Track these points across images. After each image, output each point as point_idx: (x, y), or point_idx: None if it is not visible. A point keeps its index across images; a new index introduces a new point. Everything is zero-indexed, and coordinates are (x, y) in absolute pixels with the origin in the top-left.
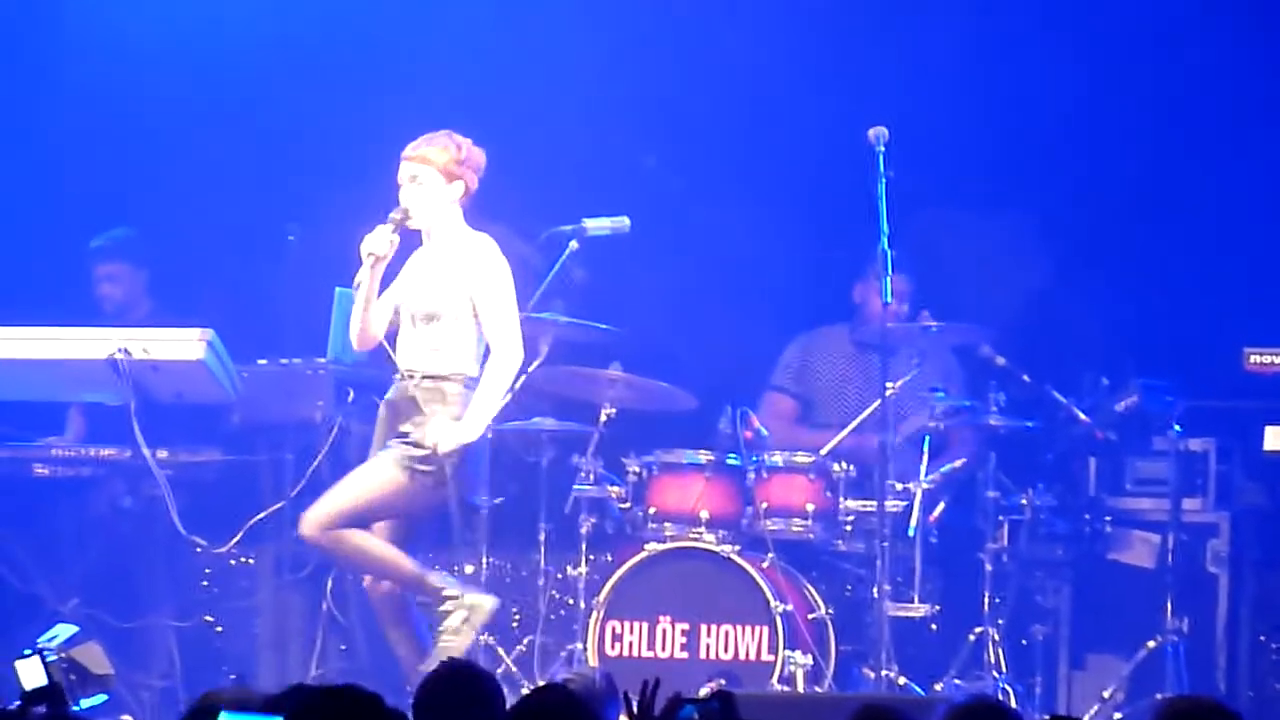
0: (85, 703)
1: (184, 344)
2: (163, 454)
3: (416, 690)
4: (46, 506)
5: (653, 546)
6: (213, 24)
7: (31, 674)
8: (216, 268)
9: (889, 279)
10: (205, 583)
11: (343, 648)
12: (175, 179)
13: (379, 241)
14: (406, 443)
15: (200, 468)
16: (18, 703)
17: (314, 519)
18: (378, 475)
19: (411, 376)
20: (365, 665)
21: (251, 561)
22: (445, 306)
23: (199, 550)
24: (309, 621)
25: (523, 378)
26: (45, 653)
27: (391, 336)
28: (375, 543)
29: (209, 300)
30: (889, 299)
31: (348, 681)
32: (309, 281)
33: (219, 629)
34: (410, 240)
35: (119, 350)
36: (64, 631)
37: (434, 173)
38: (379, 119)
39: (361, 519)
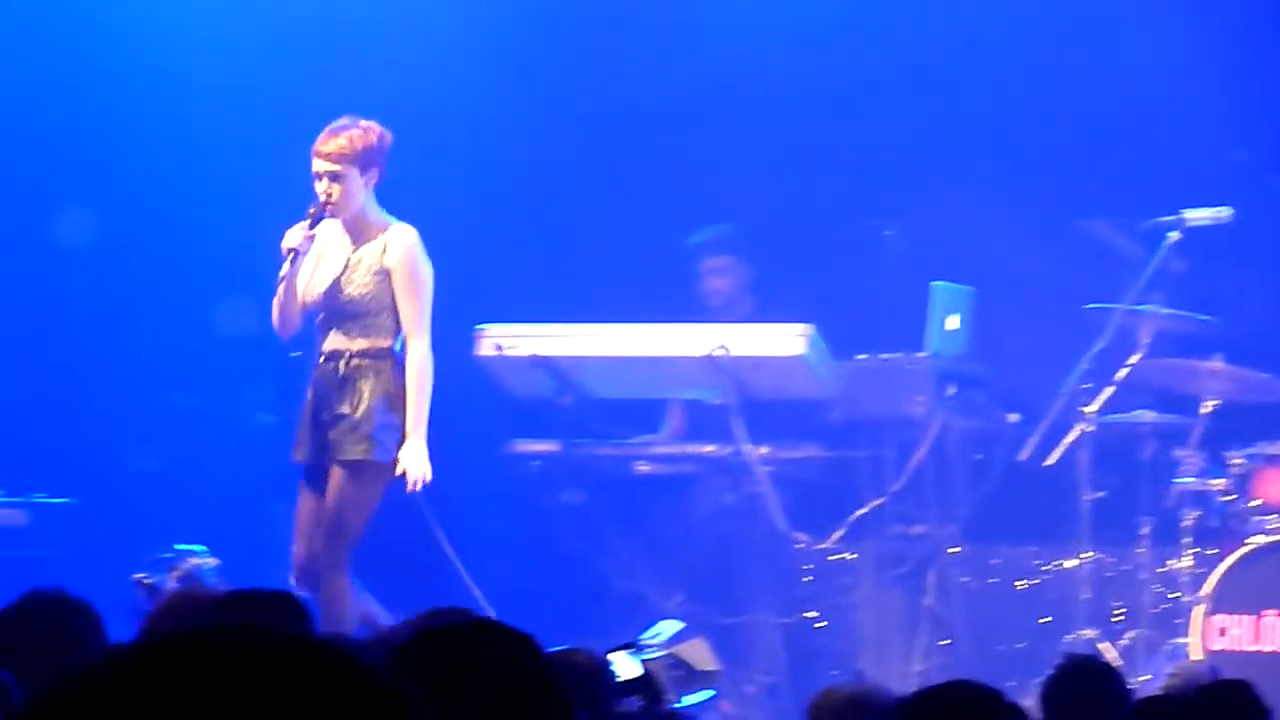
0: (690, 699)
1: (784, 340)
2: (763, 450)
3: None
4: (649, 504)
5: (1257, 539)
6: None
7: (627, 667)
8: (814, 264)
9: None
10: (807, 578)
11: (944, 643)
12: (764, 177)
13: (294, 237)
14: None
15: (800, 464)
16: None
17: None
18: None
19: (338, 358)
20: (967, 660)
21: (853, 557)
22: (370, 294)
23: (800, 546)
24: (910, 617)
25: (1125, 370)
26: (648, 649)
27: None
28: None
29: (807, 297)
30: None
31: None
32: (906, 276)
33: (821, 625)
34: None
35: (719, 347)
36: (668, 628)
37: (350, 165)
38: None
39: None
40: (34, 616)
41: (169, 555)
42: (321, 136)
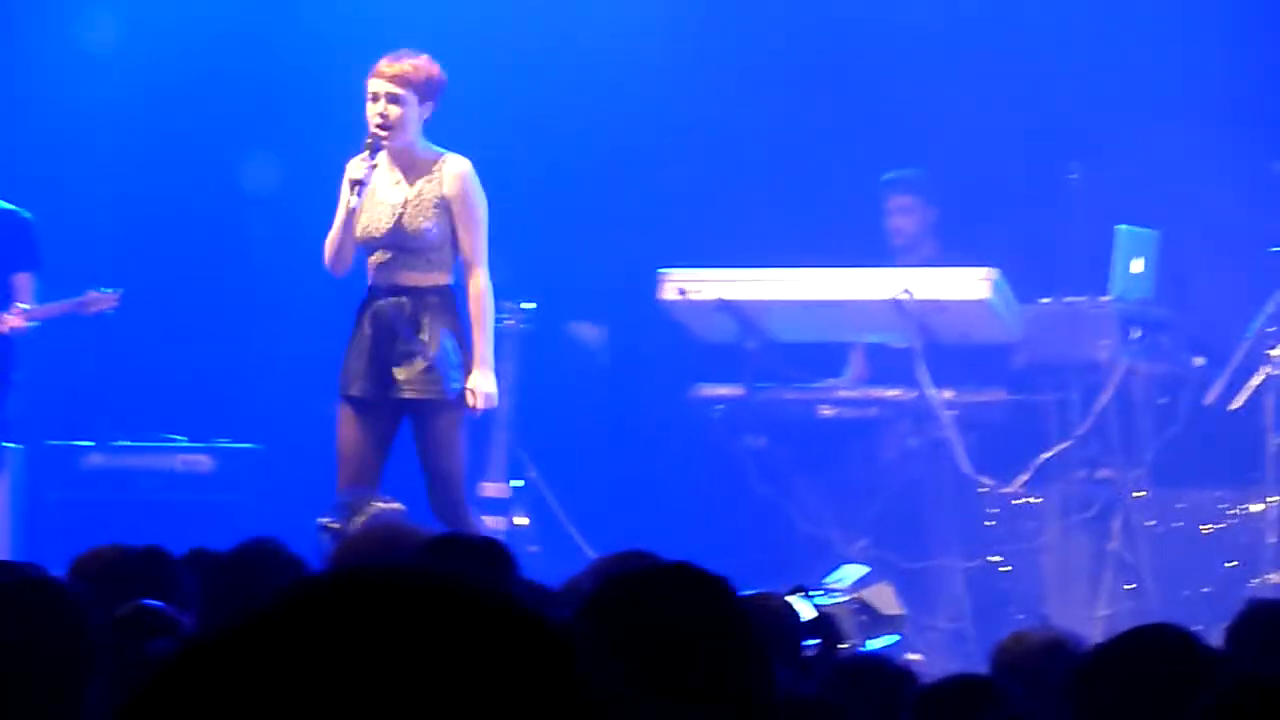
0: (874, 643)
1: (969, 284)
2: (948, 394)
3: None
4: (833, 448)
5: None
6: None
7: (802, 609)
8: (998, 207)
9: None
10: (991, 523)
11: (1129, 587)
12: (949, 118)
13: (357, 168)
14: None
15: (985, 408)
16: None
17: None
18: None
19: (401, 293)
20: (1153, 605)
21: (1038, 501)
22: (432, 228)
23: (985, 490)
24: (1095, 561)
25: None
26: (832, 593)
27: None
28: None
29: (991, 240)
30: None
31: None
32: (1091, 219)
33: (1006, 569)
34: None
35: (904, 291)
36: (853, 573)
37: (412, 91)
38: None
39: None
40: (247, 566)
41: (353, 498)
42: (384, 60)
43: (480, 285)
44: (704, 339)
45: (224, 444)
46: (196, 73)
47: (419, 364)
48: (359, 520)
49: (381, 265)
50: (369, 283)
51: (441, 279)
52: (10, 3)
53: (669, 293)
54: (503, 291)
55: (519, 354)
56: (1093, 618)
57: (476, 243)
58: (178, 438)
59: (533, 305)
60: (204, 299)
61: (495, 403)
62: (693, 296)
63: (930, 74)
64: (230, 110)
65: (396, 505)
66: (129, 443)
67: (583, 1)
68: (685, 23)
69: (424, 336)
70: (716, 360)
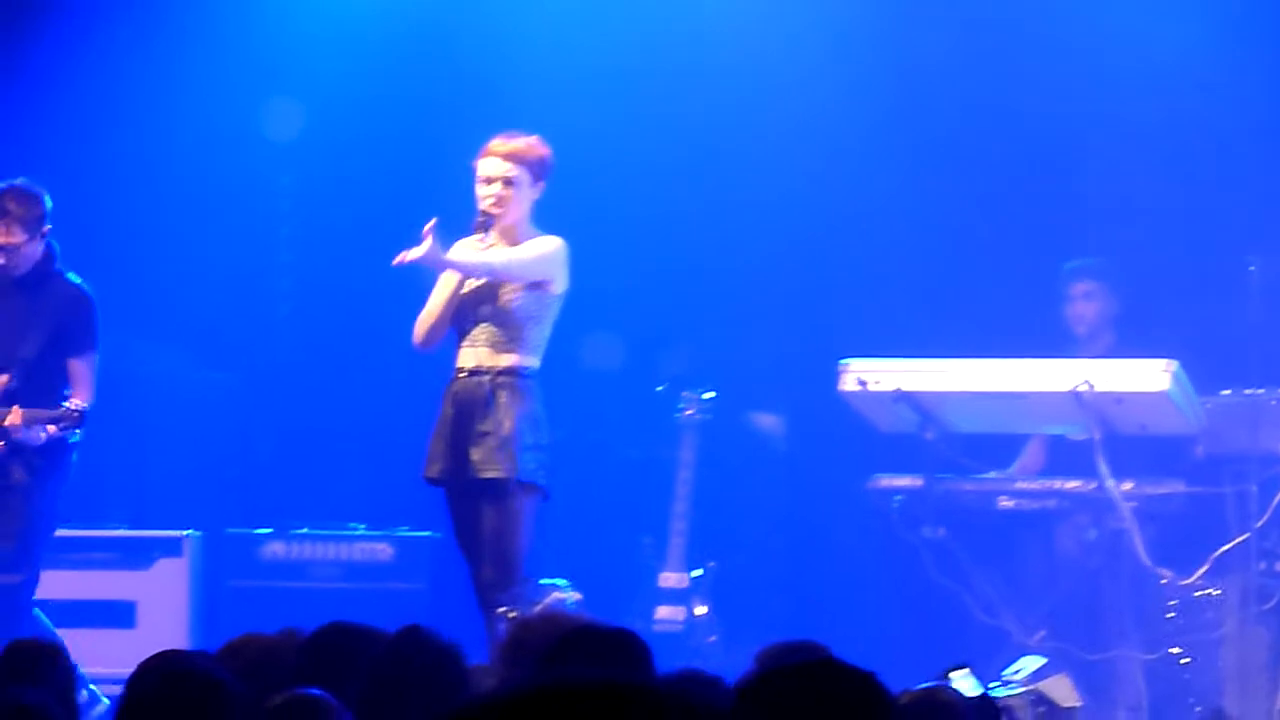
0: None
1: (1148, 375)
2: (1126, 486)
3: None
4: (1012, 540)
5: None
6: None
7: (965, 685)
8: (1177, 299)
9: None
10: (1171, 614)
11: None
12: (1129, 210)
13: (467, 250)
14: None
15: (1164, 500)
16: None
17: None
18: None
19: (483, 374)
20: None
21: (1217, 593)
22: (521, 308)
23: (1164, 582)
24: (1275, 654)
25: None
26: (1011, 684)
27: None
28: None
29: (1170, 331)
30: None
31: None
32: (1271, 311)
33: (1185, 661)
34: None
35: (1083, 383)
36: (1031, 664)
37: (525, 170)
38: None
39: None
40: (404, 654)
41: (532, 589)
42: (495, 140)
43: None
44: (883, 429)
45: (403, 532)
46: (375, 162)
47: (489, 444)
48: (538, 609)
49: (468, 345)
50: (456, 363)
51: (524, 360)
52: (193, 91)
53: (848, 383)
54: (683, 381)
55: (698, 443)
56: (1272, 710)
57: (525, 256)
58: (357, 526)
59: (712, 394)
60: (383, 389)
61: (420, 256)
62: (872, 387)
63: (1111, 166)
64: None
65: (575, 595)
66: (308, 530)
67: (762, 90)
68: (864, 110)
69: (499, 416)
70: (895, 451)
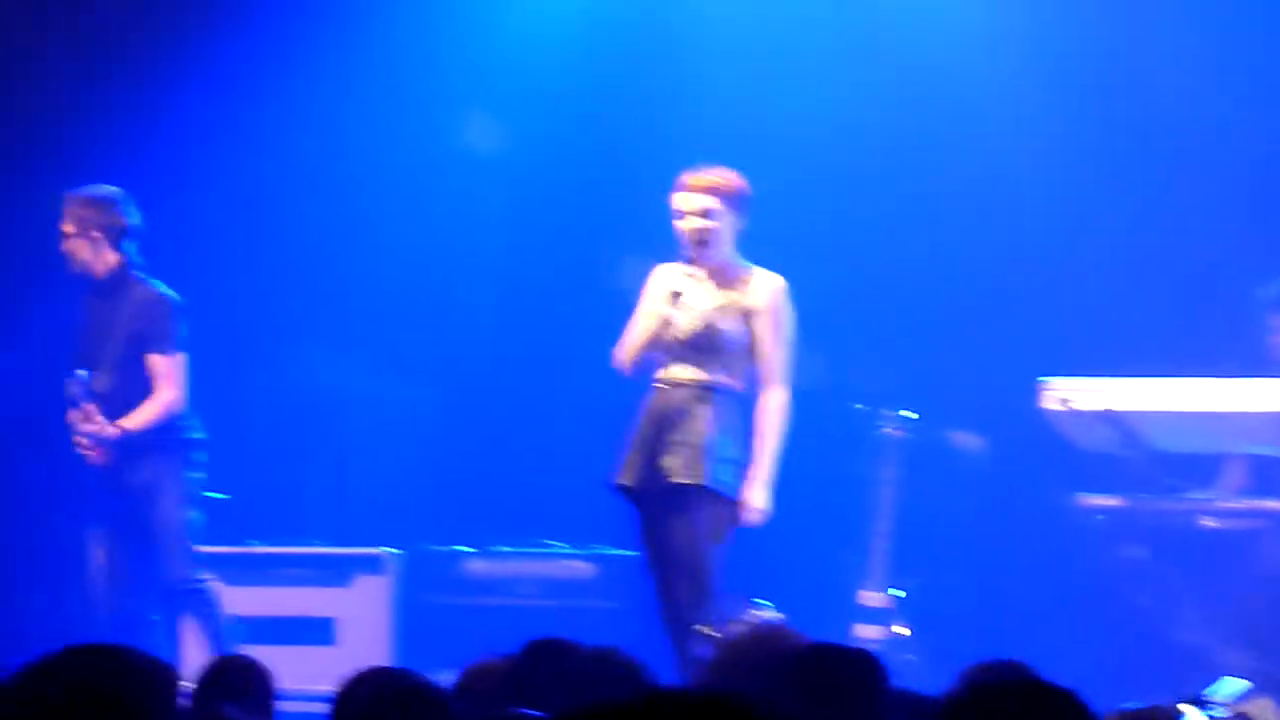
0: None
1: None
2: None
3: None
4: (1213, 559)
5: None
6: None
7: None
8: None
9: None
10: None
11: None
12: None
13: (677, 280)
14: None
15: None
16: None
17: None
18: None
19: (685, 386)
20: None
21: None
22: (737, 336)
23: None
24: None
25: None
26: (1209, 705)
27: None
28: None
29: None
30: None
31: None
32: None
33: None
34: None
35: None
36: (1233, 685)
37: (725, 203)
38: None
39: None
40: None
41: (731, 605)
42: (689, 174)
43: (778, 400)
44: (1085, 447)
45: (604, 550)
46: (576, 178)
47: (683, 452)
48: (737, 628)
49: (673, 364)
50: (657, 376)
51: (728, 380)
52: (398, 104)
53: (1050, 402)
54: (884, 400)
55: (900, 462)
56: None
57: (782, 358)
58: (558, 544)
59: (914, 415)
60: (586, 405)
61: (762, 520)
62: (1075, 406)
63: None
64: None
65: (776, 614)
66: (509, 549)
67: (966, 103)
68: (1070, 124)
69: (697, 426)
70: (1097, 469)
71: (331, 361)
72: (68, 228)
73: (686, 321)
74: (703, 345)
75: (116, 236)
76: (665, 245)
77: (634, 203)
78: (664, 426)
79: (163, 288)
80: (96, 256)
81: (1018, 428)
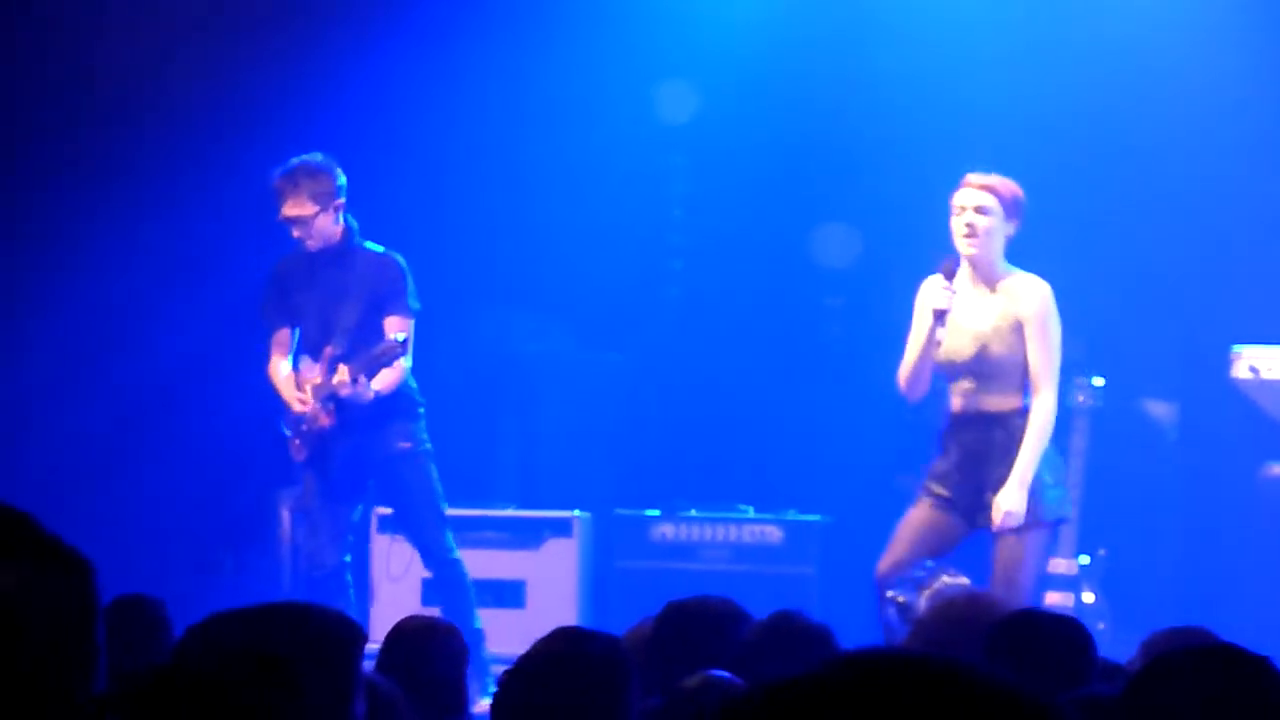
0: None
1: None
2: None
3: None
4: None
5: None
6: None
7: None
8: None
9: None
10: None
11: None
12: None
13: (939, 297)
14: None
15: None
16: None
17: None
18: None
19: (988, 421)
20: None
21: None
22: (1012, 352)
23: None
24: None
25: None
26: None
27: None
28: None
29: None
30: None
31: None
32: None
33: None
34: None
35: None
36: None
37: (1000, 203)
38: None
39: None
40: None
41: (921, 573)
42: (971, 174)
43: (1046, 406)
44: (1275, 417)
45: (793, 515)
46: (767, 146)
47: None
48: (927, 594)
49: (964, 392)
50: (951, 409)
51: (1021, 401)
52: (588, 75)
53: (1241, 370)
54: (1074, 368)
55: (1089, 431)
56: None
57: (1049, 366)
58: (746, 508)
59: (1102, 382)
60: (774, 371)
61: (1016, 522)
62: (1265, 374)
63: None
64: (806, 183)
65: (963, 579)
66: (697, 513)
67: (1152, 84)
68: (1255, 96)
69: (1011, 464)
70: None
71: (524, 326)
72: (307, 207)
73: (956, 342)
74: (985, 371)
75: (331, 203)
76: (857, 219)
77: (828, 176)
78: (978, 465)
79: (390, 251)
80: (336, 226)
81: (1208, 396)
